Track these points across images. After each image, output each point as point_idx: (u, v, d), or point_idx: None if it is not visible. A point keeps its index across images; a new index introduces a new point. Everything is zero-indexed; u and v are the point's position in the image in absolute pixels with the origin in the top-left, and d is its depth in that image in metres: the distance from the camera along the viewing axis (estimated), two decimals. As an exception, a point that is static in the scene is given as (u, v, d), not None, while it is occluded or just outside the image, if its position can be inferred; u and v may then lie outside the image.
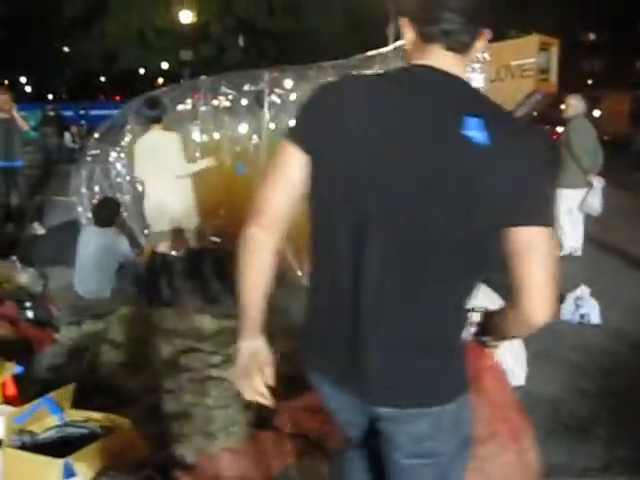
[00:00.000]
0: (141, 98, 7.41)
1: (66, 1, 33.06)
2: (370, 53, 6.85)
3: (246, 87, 6.96)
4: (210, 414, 4.02)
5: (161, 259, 6.15)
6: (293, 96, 6.87)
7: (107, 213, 6.66)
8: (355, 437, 2.07)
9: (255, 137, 6.69)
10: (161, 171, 5.87)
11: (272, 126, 6.70)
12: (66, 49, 38.77)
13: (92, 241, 6.61)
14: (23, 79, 46.50)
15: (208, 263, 6.23)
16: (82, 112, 22.36)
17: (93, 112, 24.59)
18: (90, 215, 7.53)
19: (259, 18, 31.75)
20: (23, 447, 2.98)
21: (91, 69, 37.14)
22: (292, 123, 1.78)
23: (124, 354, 4.93)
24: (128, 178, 7.12)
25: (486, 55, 6.71)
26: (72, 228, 8.36)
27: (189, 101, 6.75)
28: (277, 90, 6.75)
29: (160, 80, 49.25)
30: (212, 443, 3.78)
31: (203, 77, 7.31)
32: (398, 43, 6.67)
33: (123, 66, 35.40)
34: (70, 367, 4.81)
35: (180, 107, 6.98)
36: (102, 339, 5.25)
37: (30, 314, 5.58)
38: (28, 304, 5.63)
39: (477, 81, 6.57)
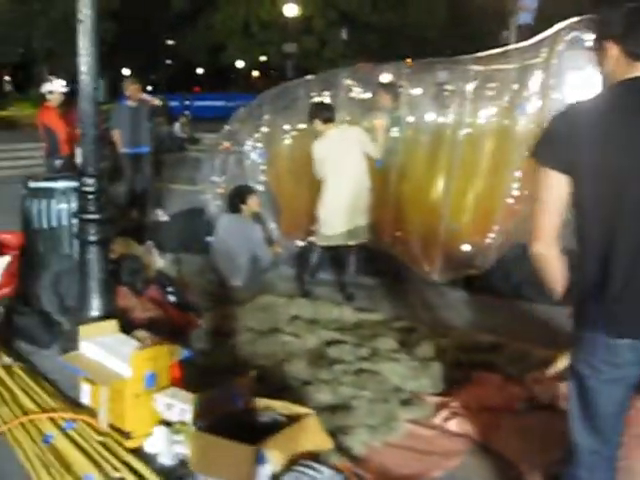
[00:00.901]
0: (275, 90, 7.41)
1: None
2: (520, 45, 6.65)
3: (382, 80, 6.85)
4: (370, 407, 3.95)
5: (314, 250, 6.22)
6: (418, 90, 6.73)
7: (236, 199, 6.72)
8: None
9: (395, 130, 6.57)
10: (345, 169, 5.97)
11: (410, 119, 6.59)
12: (169, 42, 39.71)
13: (223, 227, 6.69)
14: (125, 71, 47.76)
15: (353, 258, 6.18)
16: (187, 103, 22.79)
17: (197, 103, 25.29)
18: (219, 203, 7.61)
19: (362, 12, 31.62)
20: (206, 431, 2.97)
21: (195, 61, 37.87)
22: (542, 147, 2.25)
23: (268, 342, 4.92)
24: (263, 168, 7.11)
25: None
26: (196, 216, 8.49)
27: (326, 93, 6.70)
28: (412, 83, 6.62)
29: (255, 73, 49.90)
30: (375, 437, 3.71)
31: (335, 70, 7.26)
32: (542, 36, 6.42)
33: (227, 58, 35.95)
34: (215, 352, 4.83)
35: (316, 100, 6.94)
36: (244, 327, 5.26)
37: (172, 298, 5.65)
38: (170, 288, 5.70)
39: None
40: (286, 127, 7.07)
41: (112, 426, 3.69)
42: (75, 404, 3.98)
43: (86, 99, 4.47)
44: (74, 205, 5.26)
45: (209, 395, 2.97)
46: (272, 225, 7.15)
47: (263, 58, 38.58)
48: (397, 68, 6.85)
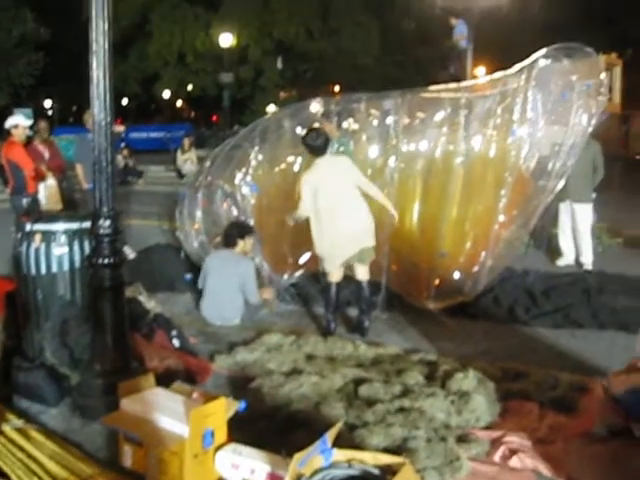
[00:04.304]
0: (260, 122, 7.21)
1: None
2: (495, 76, 6.72)
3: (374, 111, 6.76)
4: (430, 448, 3.74)
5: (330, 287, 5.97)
6: (406, 121, 6.66)
7: (234, 233, 6.49)
8: None
9: (392, 160, 6.44)
10: (340, 201, 5.68)
11: (404, 149, 6.50)
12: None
13: (216, 263, 6.41)
14: (47, 103, 46.36)
15: (363, 293, 5.96)
16: (123, 135, 22.32)
17: (132, 134, 24.88)
18: (202, 238, 7.35)
19: (297, 41, 31.51)
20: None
21: (124, 93, 37.00)
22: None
23: (295, 385, 4.65)
24: (253, 202, 6.86)
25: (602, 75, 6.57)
26: (166, 252, 8.20)
27: (316, 124, 6.56)
28: (406, 113, 6.55)
29: (179, 103, 49.33)
30: (443, 479, 3.51)
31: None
32: (519, 66, 6.49)
33: (160, 89, 35.41)
34: (239, 399, 4.52)
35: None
36: (263, 369, 4.99)
37: (177, 343, 5.34)
38: (174, 332, 5.38)
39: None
40: (274, 160, 6.87)
41: (163, 490, 3.39)
42: (113, 468, 3.64)
43: (101, 133, 4.18)
44: (76, 248, 4.90)
45: (306, 454, 2.70)
46: (258, 261, 6.89)
47: (189, 88, 38.18)
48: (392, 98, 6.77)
